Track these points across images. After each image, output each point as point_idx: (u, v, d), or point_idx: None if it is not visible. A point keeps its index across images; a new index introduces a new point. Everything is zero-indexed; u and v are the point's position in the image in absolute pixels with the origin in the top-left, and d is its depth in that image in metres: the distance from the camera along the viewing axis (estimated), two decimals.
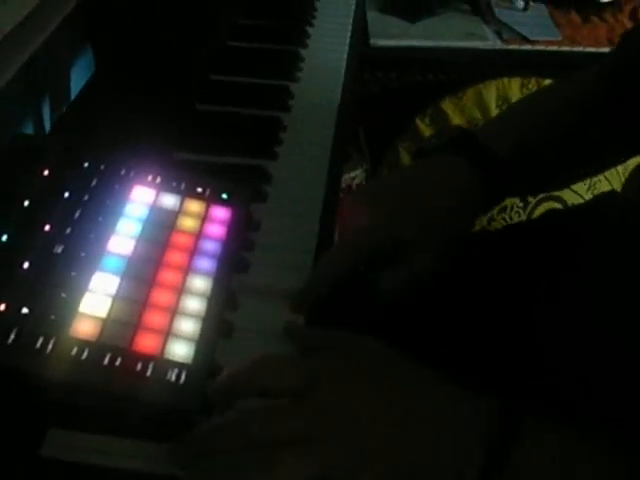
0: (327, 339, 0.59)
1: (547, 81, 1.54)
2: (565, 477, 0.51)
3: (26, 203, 0.63)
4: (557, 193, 1.50)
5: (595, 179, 1.52)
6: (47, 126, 0.98)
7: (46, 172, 0.67)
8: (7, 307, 0.55)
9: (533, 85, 1.55)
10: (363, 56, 1.56)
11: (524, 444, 0.51)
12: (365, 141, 1.66)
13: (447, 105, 1.52)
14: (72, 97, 1.01)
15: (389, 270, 0.67)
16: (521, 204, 1.49)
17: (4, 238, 0.60)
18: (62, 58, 0.99)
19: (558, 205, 1.46)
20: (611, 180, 1.52)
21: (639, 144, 0.76)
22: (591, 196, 1.47)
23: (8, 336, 0.54)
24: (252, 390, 0.53)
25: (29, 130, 0.95)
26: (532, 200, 1.50)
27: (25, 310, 0.56)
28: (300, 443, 0.50)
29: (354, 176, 1.58)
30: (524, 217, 1.45)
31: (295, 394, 0.52)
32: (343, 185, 1.52)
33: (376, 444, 0.51)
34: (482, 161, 0.70)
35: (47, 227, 0.62)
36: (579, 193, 1.51)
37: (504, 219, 1.47)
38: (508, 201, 1.48)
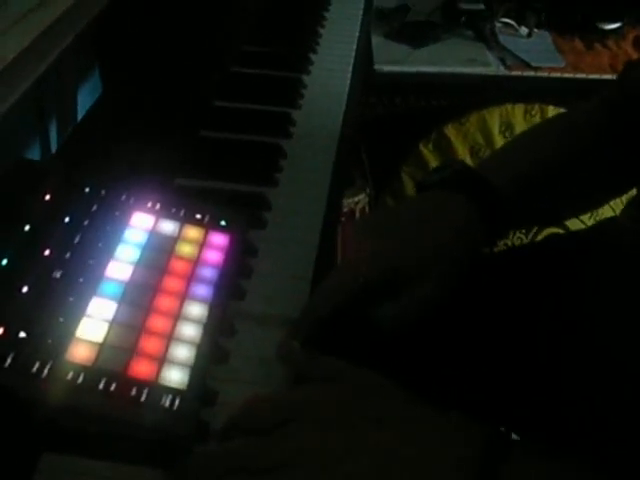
0: (320, 369, 0.59)
1: (550, 107, 1.55)
2: None
3: (27, 227, 0.64)
4: None
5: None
6: (53, 148, 1.00)
7: (47, 197, 0.68)
8: (5, 331, 0.56)
9: (536, 111, 1.56)
10: (368, 81, 1.58)
11: (512, 472, 0.51)
12: (369, 166, 1.67)
13: (450, 131, 1.53)
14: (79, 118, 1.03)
15: (389, 301, 0.67)
16: (524, 230, 1.50)
17: (4, 262, 0.61)
18: (69, 82, 1.01)
19: (560, 231, 1.47)
20: (614, 207, 1.53)
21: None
22: (593, 222, 1.47)
23: (5, 359, 0.54)
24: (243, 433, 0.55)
25: (35, 152, 0.96)
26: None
27: (23, 334, 0.56)
28: (290, 468, 0.51)
29: (357, 200, 1.59)
30: (526, 242, 1.46)
31: (285, 424, 0.53)
32: (346, 209, 1.53)
33: (364, 469, 0.51)
34: (482, 197, 0.71)
35: (47, 252, 0.63)
36: (581, 219, 1.51)
37: (506, 244, 1.47)
38: None
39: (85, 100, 1.06)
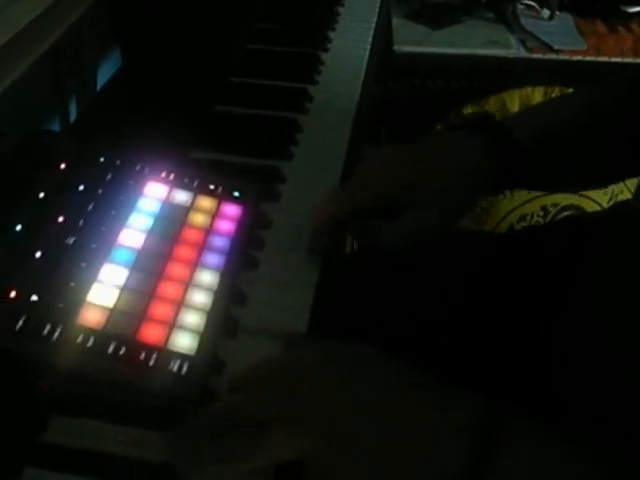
0: (319, 344, 0.60)
1: (571, 91, 1.54)
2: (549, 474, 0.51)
3: (41, 195, 0.65)
4: (577, 203, 1.51)
5: (617, 190, 1.52)
6: (72, 119, 1.00)
7: (62, 166, 0.68)
8: (17, 294, 0.57)
9: (557, 94, 1.55)
10: (387, 62, 1.57)
11: (508, 441, 0.51)
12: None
13: (469, 112, 1.52)
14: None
15: (395, 219, 0.70)
16: (541, 212, 1.49)
17: (18, 228, 0.62)
18: (88, 54, 1.01)
19: (576, 213, 1.46)
20: (633, 191, 1.52)
21: None
22: (610, 204, 1.47)
23: (17, 323, 0.55)
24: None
25: (54, 122, 0.97)
26: (552, 210, 1.50)
27: (35, 298, 0.57)
28: (285, 425, 0.51)
29: None
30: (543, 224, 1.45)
31: (288, 381, 0.53)
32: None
33: (363, 429, 0.51)
34: (500, 141, 0.73)
35: (60, 219, 0.64)
36: (600, 203, 1.50)
37: (523, 227, 1.47)
38: (528, 209, 1.48)
39: (104, 72, 1.07)
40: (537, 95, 1.53)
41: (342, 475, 0.51)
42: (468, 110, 1.54)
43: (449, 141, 0.76)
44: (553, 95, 1.54)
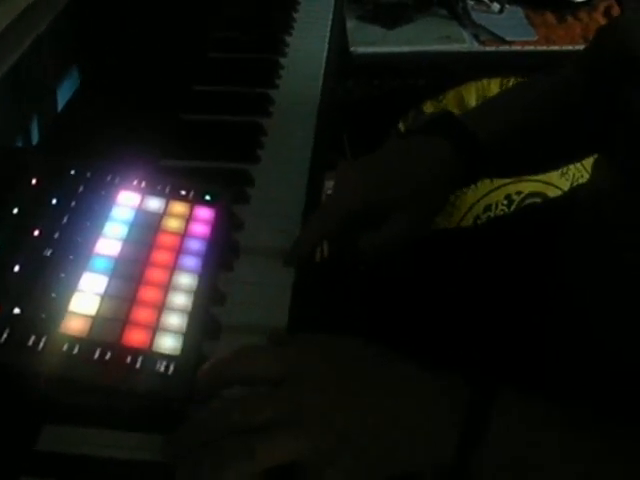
0: (309, 341, 0.60)
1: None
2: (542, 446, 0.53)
3: (15, 210, 0.66)
4: (540, 190, 1.53)
5: (577, 175, 1.55)
6: (34, 141, 1.00)
7: (34, 181, 0.69)
8: None
9: (512, 85, 1.57)
10: (344, 64, 1.59)
11: (499, 419, 0.52)
12: (349, 148, 1.68)
13: (428, 108, 1.55)
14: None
15: (370, 232, 0.73)
16: (505, 201, 1.52)
17: None
18: (47, 71, 1.01)
19: (538, 200, 1.49)
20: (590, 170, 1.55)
21: (612, 134, 0.78)
22: (569, 187, 1.49)
23: (1, 336, 0.56)
24: (235, 378, 0.55)
25: (18, 142, 0.97)
26: (516, 198, 1.53)
27: (17, 310, 0.58)
28: (282, 426, 0.52)
29: None
30: (507, 213, 1.47)
31: (277, 380, 0.54)
32: (329, 192, 1.53)
33: (357, 427, 0.52)
34: (459, 138, 0.76)
35: (36, 232, 0.64)
36: (562, 189, 1.53)
37: (489, 217, 1.49)
38: (493, 198, 1.50)
39: (65, 91, 1.07)
40: (493, 87, 1.56)
41: (340, 471, 0.52)
42: (427, 106, 1.56)
43: (415, 146, 0.78)
44: (510, 85, 1.56)
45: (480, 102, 1.51)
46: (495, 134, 0.79)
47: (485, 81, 1.56)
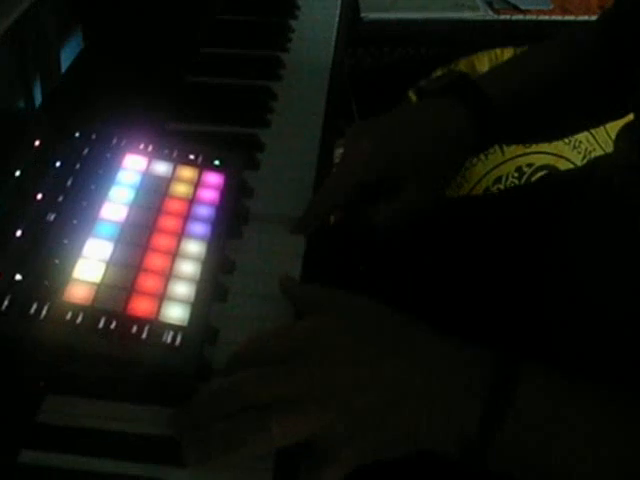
0: (322, 297, 0.58)
1: None
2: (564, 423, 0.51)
3: (17, 173, 0.63)
4: (552, 163, 1.51)
5: (590, 148, 1.52)
6: (37, 102, 0.98)
7: (37, 143, 0.67)
8: (1, 274, 0.55)
9: None
10: (355, 31, 1.55)
11: (524, 392, 0.51)
12: (359, 116, 1.65)
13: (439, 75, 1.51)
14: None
15: (383, 201, 0.71)
16: (516, 174, 1.49)
17: None
18: (49, 32, 0.99)
19: (551, 172, 1.47)
20: (605, 148, 1.52)
21: (630, 101, 0.76)
22: (584, 162, 1.47)
23: (2, 303, 0.54)
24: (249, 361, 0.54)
25: (20, 106, 0.95)
26: (527, 170, 1.50)
27: (18, 277, 0.55)
28: (297, 402, 0.50)
29: None
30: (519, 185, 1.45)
31: (291, 357, 0.52)
32: (337, 161, 1.51)
33: (375, 403, 0.51)
34: (473, 103, 0.73)
35: (39, 196, 0.62)
36: (574, 162, 1.51)
37: (499, 189, 1.47)
38: (503, 170, 1.48)
39: (68, 53, 1.05)
40: (506, 56, 1.53)
41: (357, 448, 0.50)
42: (438, 74, 1.52)
43: (428, 111, 0.75)
44: None
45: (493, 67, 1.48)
46: (510, 98, 0.77)
47: (498, 50, 1.53)
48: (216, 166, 0.69)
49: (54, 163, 0.65)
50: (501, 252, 0.81)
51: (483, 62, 1.53)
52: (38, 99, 1.00)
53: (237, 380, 0.52)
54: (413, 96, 1.49)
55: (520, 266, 0.77)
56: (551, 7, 1.63)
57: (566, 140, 1.49)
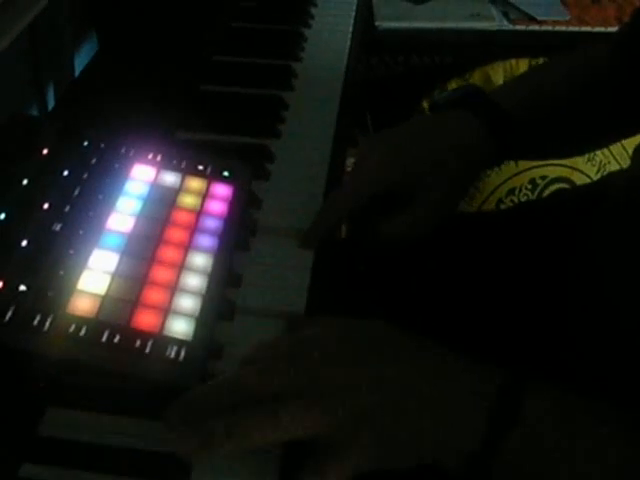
0: (327, 322, 0.58)
1: None
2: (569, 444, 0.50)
3: (24, 182, 0.63)
4: (566, 175, 1.49)
5: (605, 161, 1.51)
6: (50, 106, 0.98)
7: (45, 151, 0.66)
8: (5, 284, 0.55)
9: None
10: (369, 39, 1.55)
11: (529, 409, 0.50)
12: (372, 125, 1.64)
13: (454, 87, 1.51)
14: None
15: (395, 214, 0.70)
16: (529, 186, 1.48)
17: (2, 216, 0.60)
18: (64, 36, 0.99)
19: (567, 187, 1.45)
20: (621, 162, 1.51)
21: None
22: (600, 176, 1.45)
23: (5, 314, 0.53)
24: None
25: (33, 109, 0.95)
26: (541, 182, 1.49)
27: (23, 287, 0.55)
28: (303, 394, 0.49)
29: None
30: (533, 199, 1.44)
31: (292, 357, 0.52)
32: (349, 169, 1.50)
33: (375, 404, 0.50)
34: (489, 116, 0.73)
35: (46, 205, 0.61)
36: (588, 175, 1.49)
37: (512, 201, 1.45)
38: (517, 182, 1.47)
39: (82, 58, 1.05)
40: (521, 67, 1.52)
41: (358, 449, 0.49)
42: (453, 85, 1.52)
43: (442, 122, 0.75)
44: None
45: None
46: (526, 113, 0.76)
47: (513, 61, 1.52)
48: (225, 177, 0.68)
49: (61, 172, 0.64)
50: (515, 268, 0.80)
51: (498, 72, 1.53)
52: (51, 103, 1.00)
53: (238, 373, 0.52)
54: (427, 106, 1.48)
55: (540, 280, 0.76)
56: (568, 18, 1.62)
57: None
